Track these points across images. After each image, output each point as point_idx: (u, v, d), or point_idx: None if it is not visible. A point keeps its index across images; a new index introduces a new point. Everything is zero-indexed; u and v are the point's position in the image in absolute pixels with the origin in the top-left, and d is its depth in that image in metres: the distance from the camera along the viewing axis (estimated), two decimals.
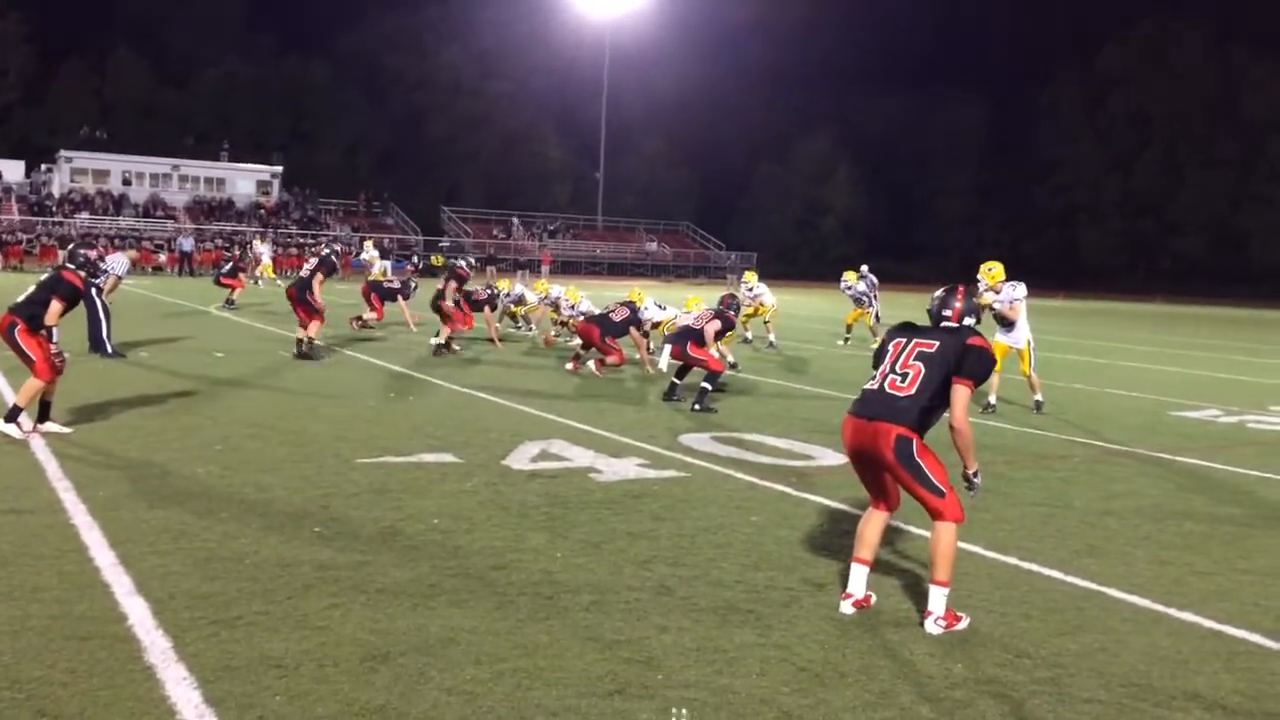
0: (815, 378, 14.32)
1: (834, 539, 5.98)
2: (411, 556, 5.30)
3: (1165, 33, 75.57)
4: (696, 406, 10.57)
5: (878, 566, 5.09)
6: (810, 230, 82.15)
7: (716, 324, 11.27)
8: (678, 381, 11.34)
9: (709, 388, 10.74)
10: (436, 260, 52.45)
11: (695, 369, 11.07)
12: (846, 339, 20.36)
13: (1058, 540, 6.12)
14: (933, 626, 4.49)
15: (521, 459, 7.81)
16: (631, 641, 4.27)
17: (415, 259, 49.63)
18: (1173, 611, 4.90)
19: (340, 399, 10.41)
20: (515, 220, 64.67)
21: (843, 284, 20.09)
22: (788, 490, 7.15)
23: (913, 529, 6.10)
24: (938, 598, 4.54)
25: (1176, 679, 4.09)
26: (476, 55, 71.76)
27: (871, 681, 3.97)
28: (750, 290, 19.26)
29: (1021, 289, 11.22)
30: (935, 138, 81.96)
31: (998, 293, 11.08)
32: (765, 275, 21.68)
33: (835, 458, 8.34)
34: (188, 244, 44.22)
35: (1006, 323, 11.18)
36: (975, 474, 4.86)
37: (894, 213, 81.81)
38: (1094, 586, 5.24)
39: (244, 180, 59.10)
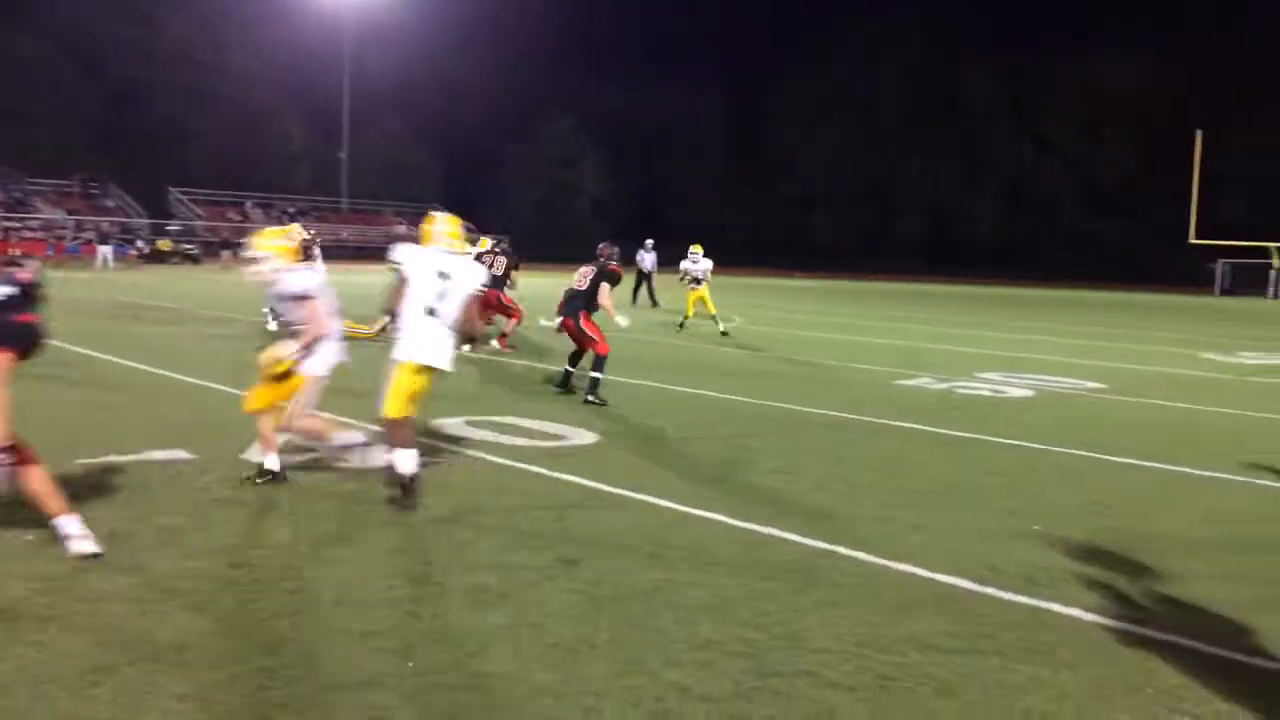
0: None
1: (584, 515, 6.09)
2: (140, 560, 4.98)
3: (887, 28, 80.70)
4: (590, 399, 10.09)
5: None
6: (560, 212, 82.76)
7: (605, 285, 10.53)
8: (571, 369, 10.78)
9: (600, 376, 10.22)
10: (164, 245, 49.26)
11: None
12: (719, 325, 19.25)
13: (794, 505, 6.49)
14: None
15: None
16: (382, 632, 4.20)
17: (139, 244, 46.44)
18: (894, 564, 5.31)
19: (56, 394, 9.60)
20: (249, 204, 61.59)
21: (688, 262, 19.70)
22: (541, 471, 7.21)
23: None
24: None
25: (896, 626, 4.44)
26: (206, 25, 67.50)
27: (622, 651, 4.08)
28: (696, 263, 19.28)
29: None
30: (680, 124, 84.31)
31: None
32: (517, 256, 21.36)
33: (587, 436, 8.49)
34: None
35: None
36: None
37: (643, 196, 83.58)
38: (826, 546, 5.59)
39: None
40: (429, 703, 3.59)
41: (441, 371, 6.40)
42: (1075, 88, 73.16)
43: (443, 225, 6.46)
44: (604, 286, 10.50)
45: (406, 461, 6.16)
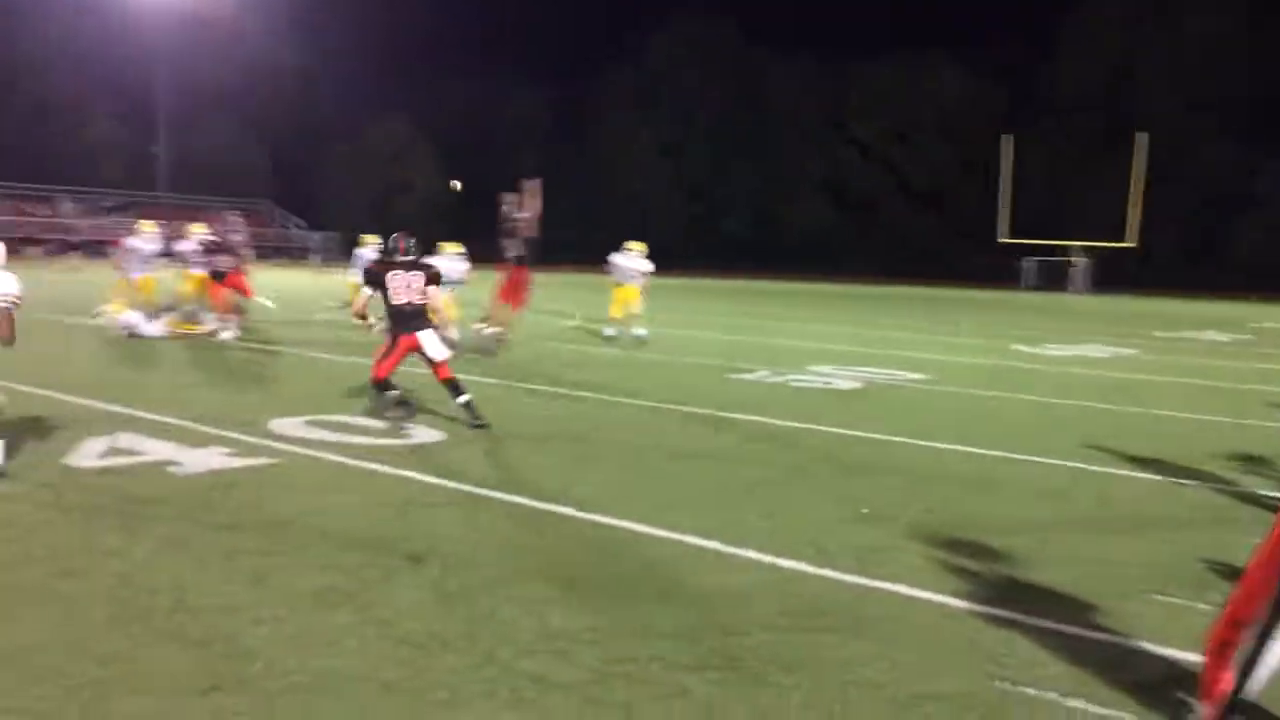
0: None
1: (429, 512, 6.07)
2: None
3: (703, 29, 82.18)
4: (476, 424, 8.73)
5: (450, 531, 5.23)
6: (391, 212, 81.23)
7: (432, 288, 8.98)
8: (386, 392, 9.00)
9: (469, 399, 8.87)
10: None
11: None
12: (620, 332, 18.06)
13: (641, 497, 6.62)
14: None
15: (87, 456, 7.15)
16: (225, 637, 4.10)
17: None
18: (733, 549, 5.49)
19: None
20: (73, 198, 58.10)
21: (621, 258, 18.00)
22: (380, 469, 7.13)
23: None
24: None
25: (739, 609, 4.61)
26: (6, 15, 63.18)
27: (474, 645, 4.10)
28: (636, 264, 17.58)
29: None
30: (503, 125, 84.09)
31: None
32: (343, 256, 20.93)
33: (428, 434, 8.43)
34: None
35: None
36: None
37: (474, 196, 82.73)
38: (672, 535, 5.74)
39: None
40: (281, 706, 3.54)
41: None
42: (892, 92, 76.36)
43: None
44: (433, 291, 9.12)
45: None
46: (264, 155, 75.84)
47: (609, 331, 18.19)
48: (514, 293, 15.74)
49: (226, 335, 15.61)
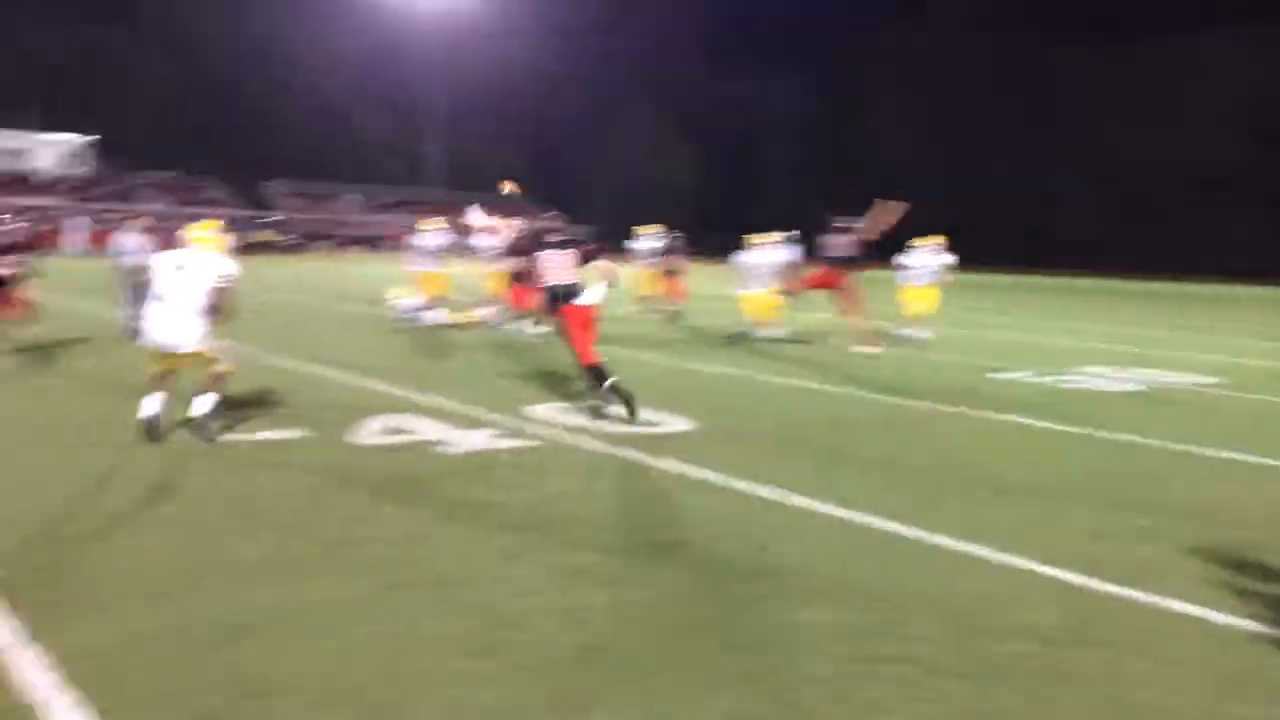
0: (670, 349, 14.53)
1: (680, 501, 6.17)
2: (263, 533, 5.20)
3: (960, 11, 79.04)
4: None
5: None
6: (643, 205, 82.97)
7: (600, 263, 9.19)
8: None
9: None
10: (264, 236, 50.75)
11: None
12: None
13: (899, 496, 6.46)
14: None
15: (367, 434, 7.71)
16: (489, 605, 4.32)
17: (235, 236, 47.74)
18: (1000, 556, 5.26)
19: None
20: (349, 195, 63.01)
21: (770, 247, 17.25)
22: (633, 455, 7.30)
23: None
24: None
25: (1004, 617, 4.42)
26: (298, 22, 69.10)
27: (723, 633, 4.14)
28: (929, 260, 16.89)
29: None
30: (758, 115, 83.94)
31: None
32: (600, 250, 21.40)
33: (683, 423, 8.55)
34: None
35: None
36: None
37: (725, 188, 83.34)
38: (931, 537, 5.57)
39: (48, 151, 55.56)
40: (546, 675, 3.70)
41: None
42: (1178, 76, 70.92)
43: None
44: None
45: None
46: (522, 151, 79.26)
47: (909, 332, 16.75)
48: (823, 284, 15.47)
49: (514, 327, 15.85)
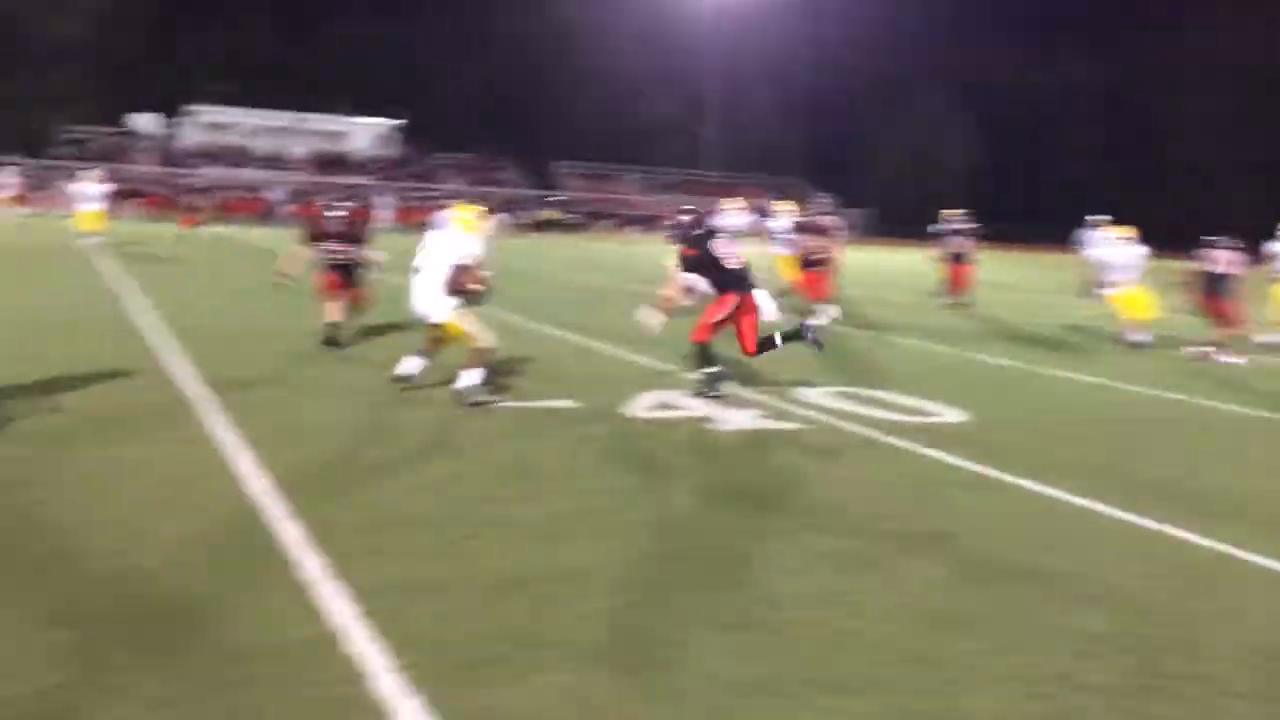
0: (947, 335, 14.08)
1: (953, 492, 5.97)
2: (537, 495, 5.48)
3: None
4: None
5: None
6: (924, 187, 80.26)
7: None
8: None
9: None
10: (548, 215, 53.13)
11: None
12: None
13: (1189, 501, 5.99)
14: None
15: (639, 408, 7.93)
16: (754, 583, 4.36)
17: (517, 214, 50.06)
18: None
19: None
20: (630, 176, 64.83)
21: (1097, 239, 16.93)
22: (910, 446, 7.13)
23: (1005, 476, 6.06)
24: None
25: None
26: (585, 8, 71.41)
27: (994, 630, 3.98)
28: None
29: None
30: (1055, 91, 78.98)
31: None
32: (877, 233, 20.39)
33: (959, 415, 8.26)
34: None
35: None
36: None
37: (1011, 170, 79.26)
38: (1226, 549, 5.13)
39: (363, 134, 60.46)
40: (804, 652, 3.70)
41: None
42: None
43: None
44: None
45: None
46: (800, 131, 78.40)
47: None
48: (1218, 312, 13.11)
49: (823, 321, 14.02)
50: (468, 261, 7.66)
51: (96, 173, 25.38)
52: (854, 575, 4.52)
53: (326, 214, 10.34)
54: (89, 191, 23.98)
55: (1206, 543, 5.20)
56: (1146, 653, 3.84)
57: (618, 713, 3.21)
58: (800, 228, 15.84)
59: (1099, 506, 5.76)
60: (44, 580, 3.99)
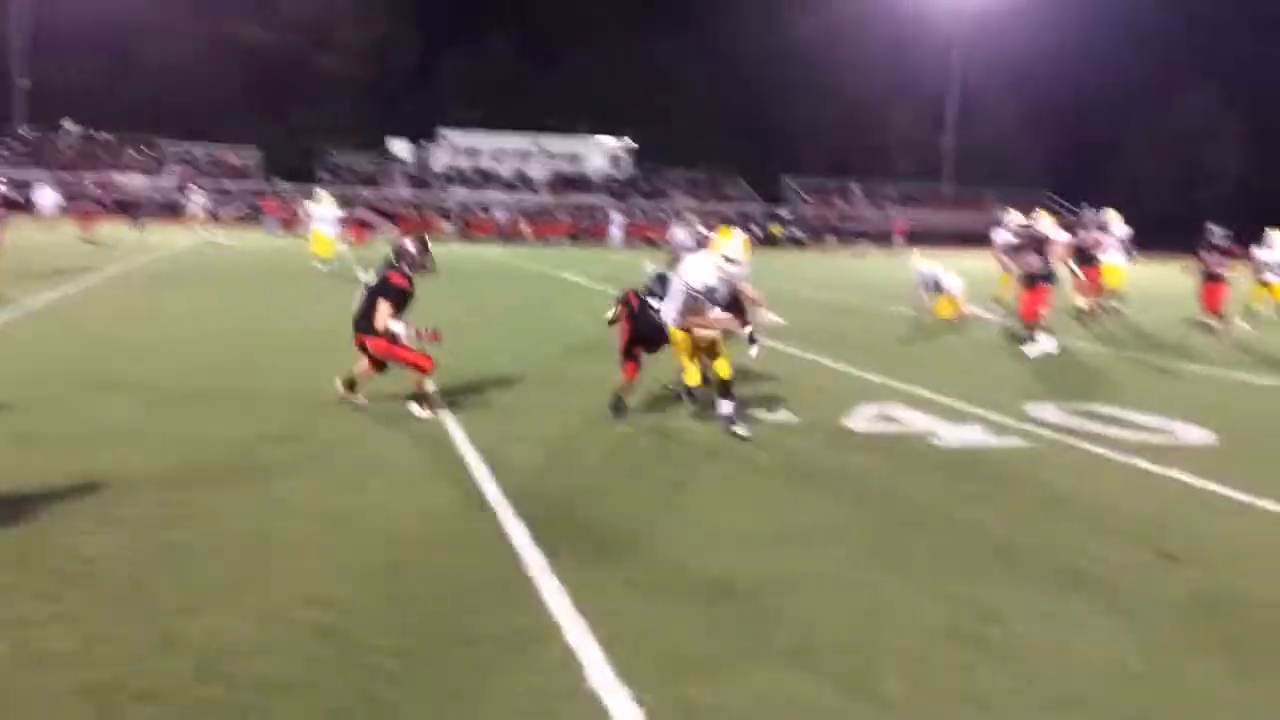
0: (1178, 351, 13.21)
1: (1191, 513, 5.65)
2: (757, 506, 5.58)
3: None
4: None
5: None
6: (1189, 197, 74.73)
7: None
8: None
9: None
10: (775, 230, 53.14)
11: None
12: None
13: None
14: None
15: (859, 420, 7.89)
16: (970, 597, 4.30)
17: (753, 228, 50.22)
18: None
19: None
20: (855, 188, 63.94)
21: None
22: (1140, 464, 6.78)
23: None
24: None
25: None
26: (825, 26, 70.90)
27: (1233, 659, 3.77)
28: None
29: None
30: None
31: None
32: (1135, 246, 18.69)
33: (1196, 434, 7.78)
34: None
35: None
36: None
37: None
38: None
39: (598, 154, 62.51)
40: (1024, 672, 3.63)
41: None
42: None
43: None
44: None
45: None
46: (1045, 140, 74.81)
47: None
48: None
49: (1044, 349, 12.57)
50: (705, 290, 7.23)
51: (330, 195, 24.43)
52: (1081, 596, 4.37)
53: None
54: (324, 214, 22.66)
55: None
56: None
57: (819, 711, 3.27)
58: (1021, 240, 14.63)
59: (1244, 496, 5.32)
60: (300, 564, 4.43)
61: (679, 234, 16.63)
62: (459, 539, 4.83)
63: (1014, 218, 16.85)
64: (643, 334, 7.86)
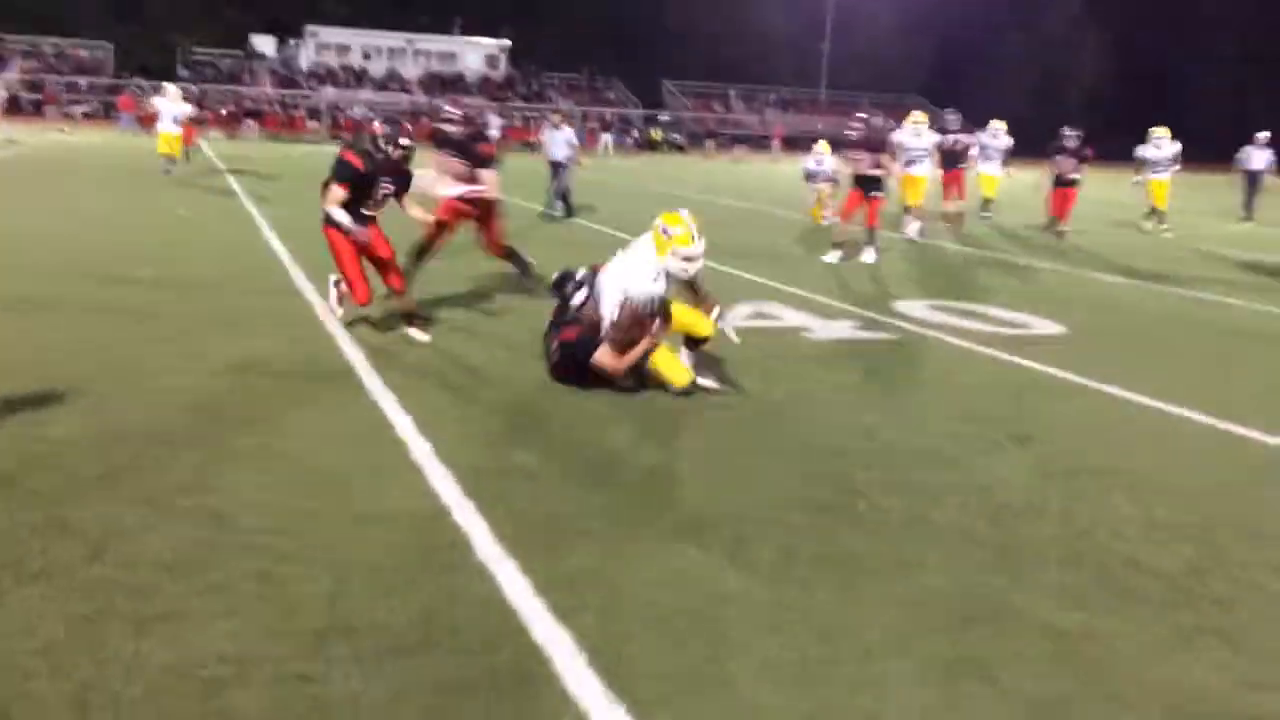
0: (1042, 252, 13.86)
1: (1044, 401, 6.07)
2: (639, 394, 5.77)
3: None
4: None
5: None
6: (1049, 103, 77.04)
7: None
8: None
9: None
10: (654, 135, 52.99)
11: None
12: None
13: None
14: None
15: (736, 318, 8.12)
16: (838, 474, 4.59)
17: (634, 134, 49.94)
18: None
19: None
20: (733, 93, 63.98)
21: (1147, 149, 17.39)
22: (997, 354, 7.21)
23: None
24: None
25: None
26: None
27: (1069, 521, 4.14)
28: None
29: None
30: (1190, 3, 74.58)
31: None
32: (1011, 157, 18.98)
33: (1048, 327, 8.29)
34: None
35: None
36: None
37: (1143, 84, 75.54)
38: None
39: (474, 55, 60.95)
40: (886, 536, 3.93)
41: None
42: None
43: None
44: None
45: None
46: (925, 47, 75.77)
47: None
48: None
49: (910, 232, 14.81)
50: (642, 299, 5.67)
51: (177, 91, 21.55)
52: (936, 469, 4.71)
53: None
54: (170, 110, 20.16)
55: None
56: (1214, 541, 3.97)
57: (695, 578, 3.50)
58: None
59: (1185, 412, 5.81)
60: (180, 455, 4.44)
61: (551, 138, 16.29)
62: (341, 433, 4.89)
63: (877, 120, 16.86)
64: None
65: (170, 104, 20.31)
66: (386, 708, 2.63)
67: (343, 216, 6.68)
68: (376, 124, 6.98)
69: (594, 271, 5.97)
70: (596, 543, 3.72)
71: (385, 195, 6.88)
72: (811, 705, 2.75)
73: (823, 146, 17.23)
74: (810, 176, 17.18)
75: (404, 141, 6.86)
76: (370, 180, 6.76)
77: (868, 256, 11.95)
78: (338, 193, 6.68)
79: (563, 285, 6.07)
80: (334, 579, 3.32)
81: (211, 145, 33.19)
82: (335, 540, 3.63)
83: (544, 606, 3.19)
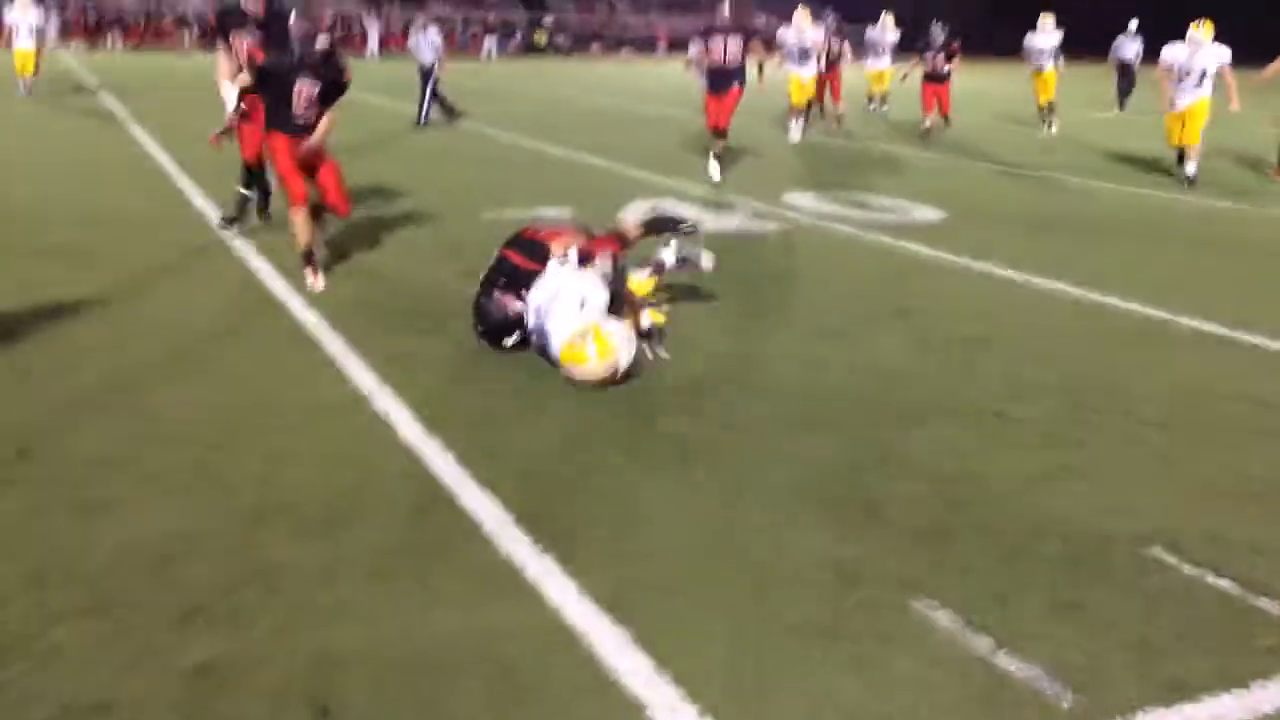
0: (916, 144, 14.30)
1: (924, 279, 6.45)
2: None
3: None
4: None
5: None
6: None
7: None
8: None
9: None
10: (539, 38, 52.00)
11: None
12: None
13: (1143, 281, 6.46)
14: None
15: (632, 215, 8.31)
16: (738, 350, 4.88)
17: (517, 37, 48.89)
18: (1236, 333, 5.30)
19: (464, 162, 11.01)
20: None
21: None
22: (882, 239, 7.58)
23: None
24: None
25: (1227, 384, 4.54)
26: None
27: (944, 380, 4.52)
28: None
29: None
30: None
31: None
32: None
33: (928, 213, 8.69)
34: None
35: None
36: None
37: None
38: (1167, 315, 5.63)
39: None
40: (756, 406, 4.24)
41: None
42: None
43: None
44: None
45: None
46: None
47: None
48: None
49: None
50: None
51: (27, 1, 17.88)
52: (824, 342, 5.04)
53: None
54: (21, 22, 17.71)
55: (1148, 310, 5.71)
56: (1074, 394, 4.39)
57: (606, 439, 3.75)
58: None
59: (1055, 285, 6.26)
60: (105, 360, 4.49)
61: (417, 42, 15.50)
62: (255, 332, 4.98)
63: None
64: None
65: (20, 14, 17.69)
66: (329, 569, 2.83)
67: (230, 95, 6.45)
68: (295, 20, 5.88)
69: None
70: (506, 420, 3.95)
71: (309, 98, 5.82)
72: (720, 545, 3.04)
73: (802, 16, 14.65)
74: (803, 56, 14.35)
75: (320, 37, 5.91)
76: (268, 74, 5.88)
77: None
78: (226, 65, 6.62)
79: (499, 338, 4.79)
80: (264, 463, 3.48)
81: (75, 57, 31.48)
82: (261, 430, 3.77)
83: (468, 475, 3.42)
